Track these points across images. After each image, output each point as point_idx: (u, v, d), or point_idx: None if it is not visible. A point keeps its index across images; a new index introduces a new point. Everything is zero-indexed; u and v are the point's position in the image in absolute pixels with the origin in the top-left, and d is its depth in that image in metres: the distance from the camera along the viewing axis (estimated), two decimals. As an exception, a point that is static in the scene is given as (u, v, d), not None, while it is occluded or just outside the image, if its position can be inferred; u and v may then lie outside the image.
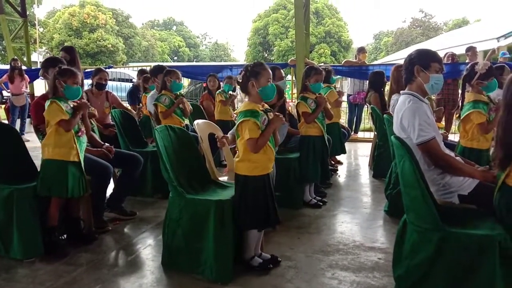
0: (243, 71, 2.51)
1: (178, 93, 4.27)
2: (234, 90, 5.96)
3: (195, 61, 47.54)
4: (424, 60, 2.52)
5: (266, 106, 2.59)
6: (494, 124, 3.28)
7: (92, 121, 3.78)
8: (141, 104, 5.21)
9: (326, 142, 3.94)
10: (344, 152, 5.36)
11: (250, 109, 2.44)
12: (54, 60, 3.38)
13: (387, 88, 5.63)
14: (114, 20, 35.42)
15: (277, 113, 2.52)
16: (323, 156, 3.91)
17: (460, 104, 3.52)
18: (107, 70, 4.88)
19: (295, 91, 8.38)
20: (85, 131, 2.99)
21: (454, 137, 6.00)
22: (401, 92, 2.67)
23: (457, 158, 2.61)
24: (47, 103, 2.84)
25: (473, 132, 3.41)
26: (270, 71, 2.52)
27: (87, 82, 5.16)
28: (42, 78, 3.56)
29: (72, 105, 2.90)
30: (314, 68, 3.93)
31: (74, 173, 2.85)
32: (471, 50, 6.97)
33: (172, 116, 4.14)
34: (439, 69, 2.51)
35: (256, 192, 2.47)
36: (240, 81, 2.51)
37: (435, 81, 2.50)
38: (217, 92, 5.75)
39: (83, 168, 2.92)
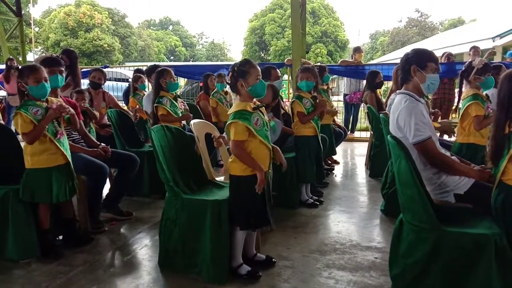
0: (231, 72, 2.46)
1: (175, 93, 4.26)
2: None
3: (192, 61, 47.49)
4: (421, 59, 2.52)
5: (258, 102, 2.54)
6: (489, 121, 3.32)
7: (91, 123, 3.76)
8: (137, 106, 5.15)
9: (320, 141, 3.94)
10: (334, 153, 5.38)
11: (240, 109, 2.39)
12: (53, 60, 3.33)
13: (383, 88, 5.65)
14: (110, 20, 35.33)
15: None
16: (318, 156, 3.91)
17: (457, 101, 3.53)
18: (103, 69, 4.87)
19: (291, 90, 8.39)
20: (63, 133, 2.83)
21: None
22: (397, 91, 2.68)
23: (453, 157, 2.62)
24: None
25: (470, 127, 3.44)
26: (259, 68, 2.46)
27: (84, 82, 5.15)
28: None
29: (45, 106, 2.73)
30: (303, 67, 3.95)
31: (58, 178, 2.77)
32: (473, 49, 7.01)
33: (171, 116, 4.13)
34: (435, 69, 2.52)
35: (249, 192, 2.40)
36: (229, 81, 2.48)
37: (432, 81, 2.52)
38: (211, 95, 5.68)
39: (73, 168, 2.85)
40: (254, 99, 2.50)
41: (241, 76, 2.41)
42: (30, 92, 2.71)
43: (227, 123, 2.41)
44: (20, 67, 2.81)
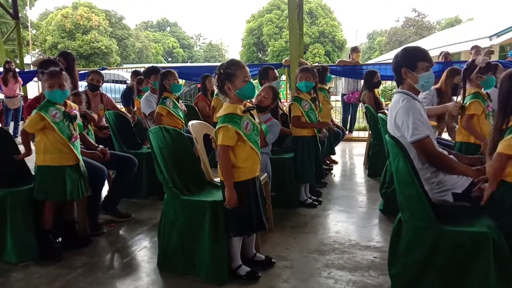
0: (217, 74, 2.36)
1: (178, 95, 4.28)
2: None
3: (189, 62, 47.47)
4: (410, 61, 2.50)
5: (249, 104, 2.48)
6: (475, 127, 3.34)
7: (89, 126, 3.75)
8: (135, 108, 5.17)
9: (318, 142, 3.95)
10: (333, 153, 5.39)
11: (229, 112, 2.31)
12: (50, 62, 3.33)
13: (381, 87, 5.65)
14: (108, 22, 35.31)
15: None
16: (316, 156, 3.92)
17: (462, 97, 3.52)
18: (101, 71, 4.87)
19: (289, 91, 8.39)
20: (78, 137, 2.91)
21: (447, 136, 6.03)
22: (394, 91, 2.68)
23: (451, 156, 2.62)
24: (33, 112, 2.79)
25: None
26: (247, 69, 2.36)
27: (82, 84, 5.15)
28: (36, 80, 3.54)
29: (63, 110, 2.82)
30: (302, 68, 3.96)
31: (71, 176, 2.82)
32: (475, 48, 7.02)
33: (174, 117, 4.14)
34: (427, 66, 2.49)
35: (240, 198, 2.36)
36: (216, 85, 2.39)
37: (425, 80, 2.49)
38: (214, 96, 5.68)
39: (84, 169, 2.90)
40: (245, 101, 2.44)
41: (228, 79, 2.32)
42: (45, 96, 2.81)
43: (217, 127, 2.35)
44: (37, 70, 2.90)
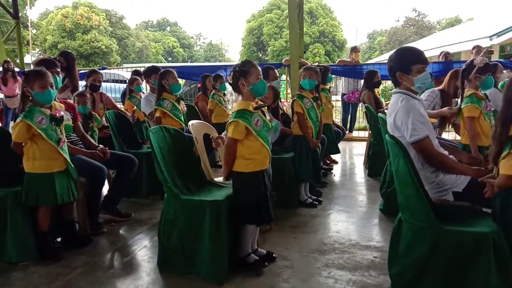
0: (232, 72, 2.56)
1: (178, 95, 4.25)
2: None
3: (190, 62, 47.46)
4: (404, 65, 2.49)
5: (260, 102, 2.64)
6: (479, 126, 3.32)
7: (93, 126, 3.75)
8: (134, 107, 5.14)
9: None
10: (338, 151, 5.38)
11: (242, 108, 2.48)
12: (48, 61, 3.33)
13: (381, 87, 5.65)
14: (108, 21, 35.33)
15: None
16: (315, 156, 3.92)
17: (461, 99, 3.51)
18: (101, 71, 4.87)
19: (289, 91, 8.40)
20: (65, 140, 2.81)
21: (448, 135, 6.04)
22: (392, 91, 2.67)
23: (451, 156, 2.62)
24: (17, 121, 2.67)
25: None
26: (259, 68, 2.56)
27: (81, 84, 5.14)
28: None
29: (49, 113, 2.70)
30: (305, 66, 4.01)
31: (61, 180, 2.76)
32: (476, 48, 7.03)
33: (171, 119, 4.13)
34: (422, 68, 2.47)
35: (250, 188, 2.51)
36: (231, 82, 2.57)
37: (421, 82, 2.49)
38: (210, 98, 5.66)
39: (73, 173, 2.85)
40: (256, 99, 2.58)
41: (242, 75, 2.50)
42: (35, 98, 2.68)
43: (228, 121, 2.50)
44: (24, 71, 2.77)
